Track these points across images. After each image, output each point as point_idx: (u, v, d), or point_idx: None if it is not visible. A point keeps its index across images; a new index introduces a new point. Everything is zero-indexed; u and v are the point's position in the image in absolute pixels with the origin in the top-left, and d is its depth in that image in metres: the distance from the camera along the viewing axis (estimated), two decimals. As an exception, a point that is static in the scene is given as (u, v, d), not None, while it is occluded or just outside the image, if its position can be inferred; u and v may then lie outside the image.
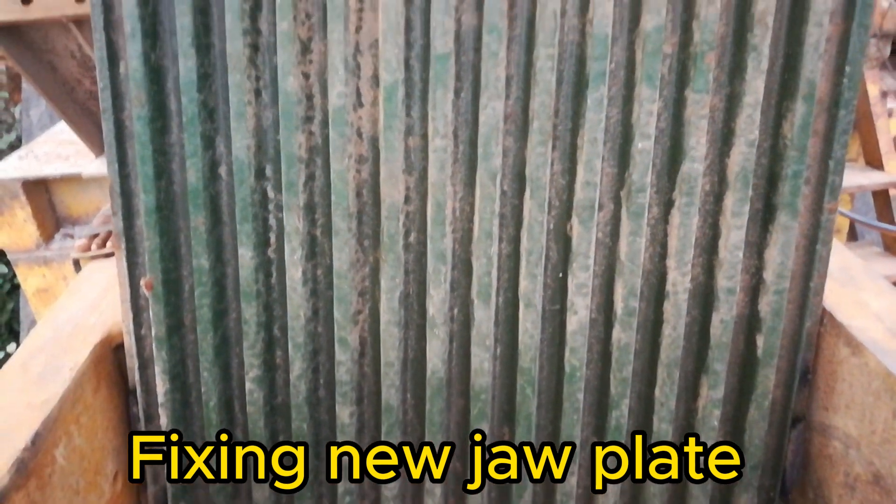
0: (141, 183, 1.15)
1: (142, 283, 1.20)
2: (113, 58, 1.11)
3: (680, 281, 1.18)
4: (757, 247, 1.19)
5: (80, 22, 2.38)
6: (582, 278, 1.18)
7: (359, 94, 1.13)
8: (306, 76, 1.11)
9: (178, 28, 1.08)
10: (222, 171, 1.17)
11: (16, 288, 5.17)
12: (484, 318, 1.20)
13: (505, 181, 1.16)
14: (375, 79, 1.12)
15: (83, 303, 1.39)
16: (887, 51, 4.91)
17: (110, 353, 1.28)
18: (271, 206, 1.18)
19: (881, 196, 3.27)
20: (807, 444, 1.28)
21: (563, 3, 1.07)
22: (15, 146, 5.78)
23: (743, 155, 1.11)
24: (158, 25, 1.10)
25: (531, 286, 1.19)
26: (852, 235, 3.65)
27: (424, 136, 1.14)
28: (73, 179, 2.84)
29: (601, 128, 1.11)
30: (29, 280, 2.99)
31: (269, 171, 1.16)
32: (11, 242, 2.92)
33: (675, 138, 1.13)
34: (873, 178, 3.24)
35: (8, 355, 4.80)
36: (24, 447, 0.98)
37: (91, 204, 2.95)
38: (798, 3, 1.06)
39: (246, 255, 1.18)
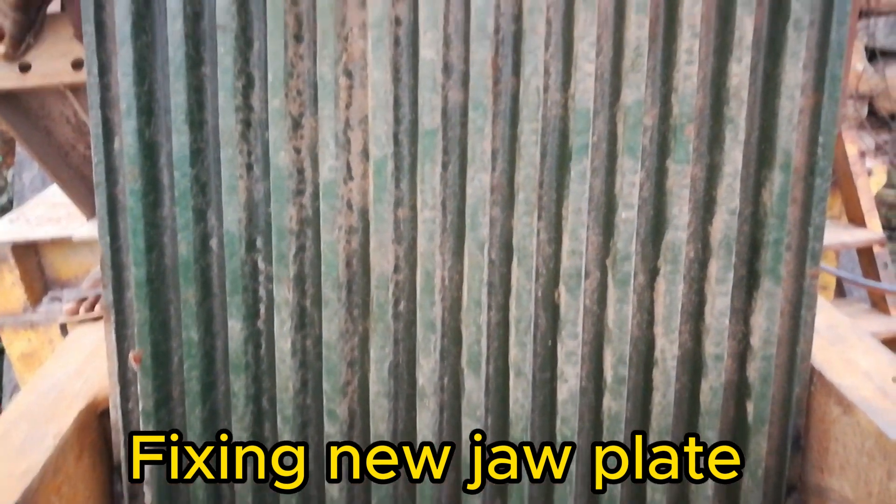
0: (132, 256, 1.16)
1: (130, 356, 1.19)
2: (108, 134, 1.14)
3: (668, 348, 1.19)
4: (743, 313, 1.20)
5: (77, 89, 2.43)
6: (571, 346, 1.19)
7: (349, 168, 1.15)
8: (297, 151, 1.14)
9: (173, 106, 1.11)
10: (213, 243, 1.18)
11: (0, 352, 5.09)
12: (474, 387, 1.20)
13: (492, 250, 1.18)
14: (365, 153, 1.15)
15: (68, 368, 1.37)
16: (864, 111, 5.08)
17: (94, 420, 1.26)
18: (261, 278, 1.19)
19: (865, 253, 3.32)
20: (805, 508, 1.27)
21: (546, 79, 1.11)
22: (6, 209, 5.79)
23: (725, 223, 1.14)
24: (153, 103, 1.13)
25: (521, 354, 1.19)
26: (840, 292, 3.68)
27: (413, 208, 1.17)
28: (63, 242, 2.85)
29: (585, 198, 1.13)
30: (14, 344, 2.95)
31: (259, 243, 1.18)
32: (-2, 306, 2.91)
33: (657, 207, 1.15)
34: (856, 236, 3.29)
35: (-11, 421, 4.66)
36: None
37: (81, 267, 2.95)
38: (770, 77, 1.10)
39: (236, 327, 1.18)
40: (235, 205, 1.14)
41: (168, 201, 1.17)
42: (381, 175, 1.14)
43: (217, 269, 1.19)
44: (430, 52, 1.08)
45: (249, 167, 1.15)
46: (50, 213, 3.06)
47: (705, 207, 1.16)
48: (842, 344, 1.34)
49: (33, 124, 2.62)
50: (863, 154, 3.41)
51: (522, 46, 1.08)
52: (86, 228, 2.76)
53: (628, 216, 1.14)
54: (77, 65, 2.38)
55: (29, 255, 2.92)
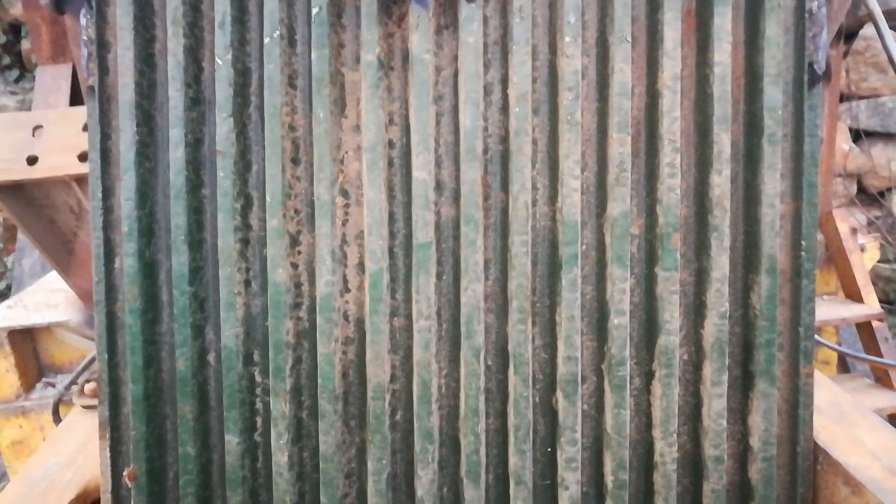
0: (130, 372, 1.17)
1: (124, 474, 1.18)
2: (109, 254, 1.17)
3: (667, 451, 1.18)
4: (740, 413, 1.20)
5: (81, 179, 2.48)
6: (570, 452, 1.18)
7: (345, 281, 1.18)
8: (295, 266, 1.17)
9: (173, 227, 1.15)
10: (211, 358, 1.19)
11: (-11, 439, 4.98)
12: (474, 497, 1.18)
13: (488, 357, 1.19)
14: (361, 266, 1.17)
15: (60, 458, 1.35)
16: (853, 189, 5.20)
17: None
18: (258, 391, 1.20)
19: (865, 328, 3.32)
20: None
21: (534, 194, 1.15)
22: (4, 294, 5.81)
23: (716, 326, 1.16)
24: (154, 224, 1.17)
25: (520, 462, 1.18)
26: (843, 367, 3.66)
27: (409, 317, 1.19)
28: (59, 327, 2.85)
29: (577, 305, 1.15)
30: (4, 432, 2.91)
31: (256, 356, 1.19)
32: (-9, 393, 2.88)
33: (649, 313, 1.17)
34: (854, 311, 3.30)
35: (-26, 513, 4.53)
36: None
37: (76, 352, 2.94)
38: (751, 187, 1.15)
39: (232, 442, 1.18)
40: (233, 320, 1.16)
41: (167, 318, 1.19)
42: (376, 287, 1.16)
43: (214, 383, 1.20)
44: (422, 172, 1.13)
45: (247, 283, 1.17)
46: (48, 299, 3.07)
47: (696, 311, 1.18)
48: (846, 422, 1.33)
49: (37, 213, 2.66)
50: (854, 231, 3.46)
51: (510, 165, 1.13)
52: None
53: (621, 322, 1.16)
54: (83, 157, 2.45)
55: (25, 341, 2.92)
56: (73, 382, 1.94)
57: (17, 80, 6.33)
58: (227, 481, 1.19)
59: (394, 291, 1.18)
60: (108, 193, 1.16)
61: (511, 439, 1.19)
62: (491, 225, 1.16)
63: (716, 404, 1.17)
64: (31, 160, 2.50)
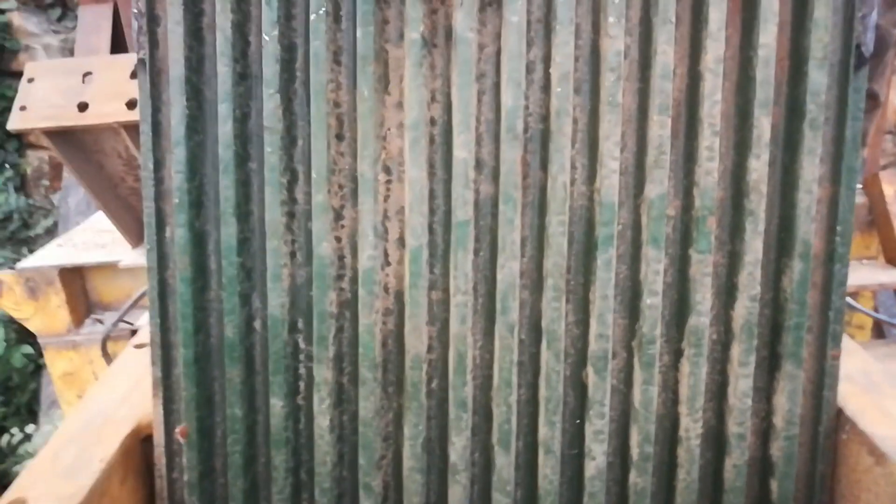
0: (181, 337, 1.23)
1: (176, 430, 1.26)
2: (160, 224, 1.22)
3: (692, 427, 1.22)
4: (765, 392, 1.23)
5: (129, 126, 2.54)
6: (598, 425, 1.23)
7: (386, 255, 1.22)
8: (338, 240, 1.21)
9: (222, 199, 1.19)
10: (257, 325, 1.25)
11: (39, 368, 5.23)
12: (504, 463, 1.24)
13: (522, 332, 1.23)
14: (402, 241, 1.21)
15: (114, 394, 1.42)
16: (902, 148, 5.02)
17: (138, 445, 1.31)
18: (302, 357, 1.25)
19: (904, 294, 3.27)
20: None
21: (572, 174, 1.17)
22: (51, 231, 6.00)
23: (746, 308, 1.18)
24: (203, 196, 1.21)
25: (550, 433, 1.23)
26: (878, 333, 3.61)
27: (446, 291, 1.22)
28: (107, 267, 2.97)
29: (611, 284, 1.18)
30: (56, 363, 3.08)
31: (300, 324, 1.24)
32: (43, 327, 3.03)
33: (681, 293, 1.20)
34: (894, 277, 3.24)
35: (27, 436, 4.80)
36: None
37: (122, 291, 3.07)
38: (788, 171, 1.15)
39: (277, 405, 1.24)
40: (279, 290, 1.21)
41: (215, 285, 1.24)
42: (416, 262, 1.20)
43: (260, 349, 1.26)
44: (462, 151, 1.15)
45: (293, 255, 1.22)
46: (96, 239, 3.19)
47: (727, 293, 1.20)
48: (876, 392, 1.34)
49: (87, 158, 2.74)
50: (900, 194, 3.36)
51: (550, 145, 1.15)
52: (131, 256, 2.87)
53: (653, 302, 1.18)
54: (131, 105, 2.50)
55: (75, 278, 3.04)
56: (121, 319, 2.01)
57: (59, 19, 6.42)
58: (272, 441, 1.26)
59: (432, 266, 1.22)
60: (159, 165, 1.20)
61: (541, 410, 1.23)
62: (529, 204, 1.19)
63: (742, 384, 1.20)
64: (82, 106, 2.55)
